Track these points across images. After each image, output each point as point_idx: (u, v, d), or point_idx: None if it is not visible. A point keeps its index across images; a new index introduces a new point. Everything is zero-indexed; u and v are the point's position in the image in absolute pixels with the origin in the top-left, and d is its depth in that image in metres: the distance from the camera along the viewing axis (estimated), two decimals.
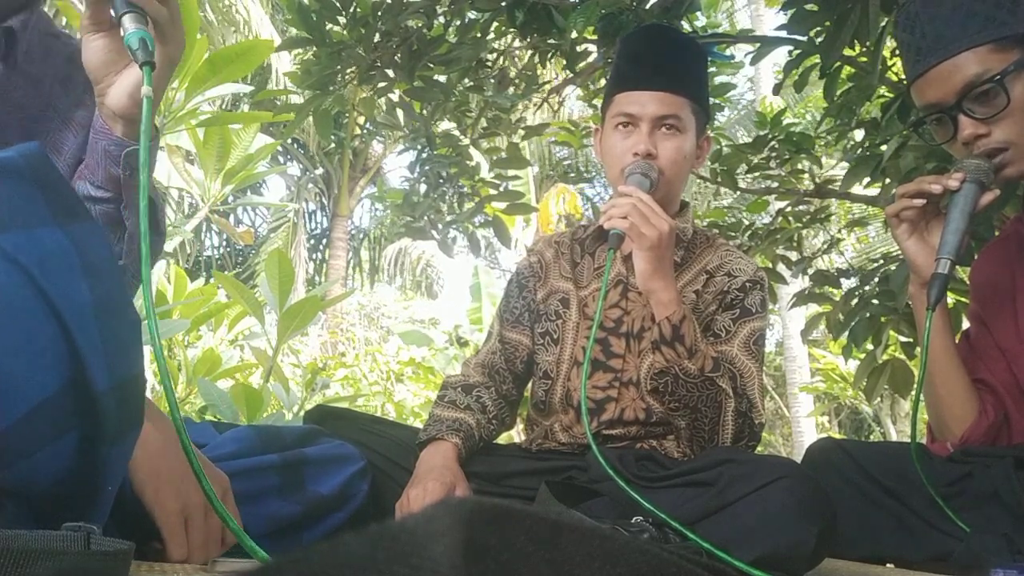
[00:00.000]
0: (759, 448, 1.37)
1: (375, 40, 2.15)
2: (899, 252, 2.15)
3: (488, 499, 0.34)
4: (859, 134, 2.32)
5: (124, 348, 0.67)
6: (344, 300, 12.30)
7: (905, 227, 1.28)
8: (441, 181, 2.65)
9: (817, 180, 2.47)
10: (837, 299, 2.44)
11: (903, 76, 2.16)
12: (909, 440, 1.25)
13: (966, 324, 1.48)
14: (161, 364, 0.68)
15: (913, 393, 1.35)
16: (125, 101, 0.92)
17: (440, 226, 2.71)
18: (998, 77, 1.17)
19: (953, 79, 1.20)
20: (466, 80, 2.48)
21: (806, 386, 8.84)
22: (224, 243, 13.67)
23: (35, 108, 1.03)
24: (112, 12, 0.86)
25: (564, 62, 2.36)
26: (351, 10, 2.09)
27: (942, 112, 1.23)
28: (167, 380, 0.66)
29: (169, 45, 0.90)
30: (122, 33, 0.85)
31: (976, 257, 1.52)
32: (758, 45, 2.12)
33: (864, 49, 1.94)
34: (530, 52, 2.46)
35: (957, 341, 1.37)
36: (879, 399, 7.40)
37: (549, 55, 2.39)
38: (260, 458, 1.13)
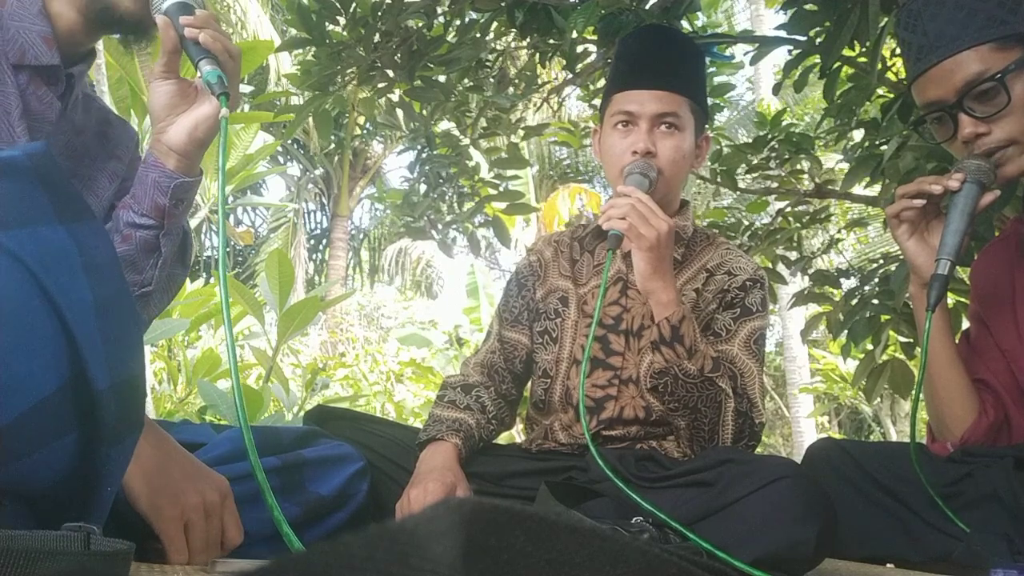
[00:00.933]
0: (759, 448, 1.37)
1: (375, 40, 2.15)
2: (899, 252, 2.15)
3: (488, 500, 0.34)
4: (859, 134, 2.32)
5: (124, 348, 0.67)
6: (344, 300, 12.30)
7: (905, 227, 1.29)
8: (441, 181, 2.65)
9: (817, 180, 2.47)
10: (837, 299, 2.44)
11: (903, 76, 2.16)
12: (909, 440, 1.25)
13: (966, 324, 1.49)
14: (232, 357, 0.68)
15: (913, 393, 1.35)
16: (183, 139, 1.07)
17: (440, 226, 2.71)
18: (999, 76, 1.17)
19: (954, 77, 1.20)
20: (466, 80, 2.48)
21: (806, 386, 8.84)
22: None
23: (78, 152, 1.15)
24: (189, 58, 1.03)
25: (564, 62, 2.36)
26: (351, 10, 2.09)
27: (943, 110, 1.23)
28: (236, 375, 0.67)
29: (232, 91, 1.03)
30: (199, 73, 1.01)
31: (976, 257, 1.52)
32: (757, 45, 2.12)
33: (864, 49, 1.95)
34: (530, 52, 2.45)
35: (957, 341, 1.37)
36: (879, 399, 7.40)
37: (549, 55, 2.39)
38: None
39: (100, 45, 4.19)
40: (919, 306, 1.30)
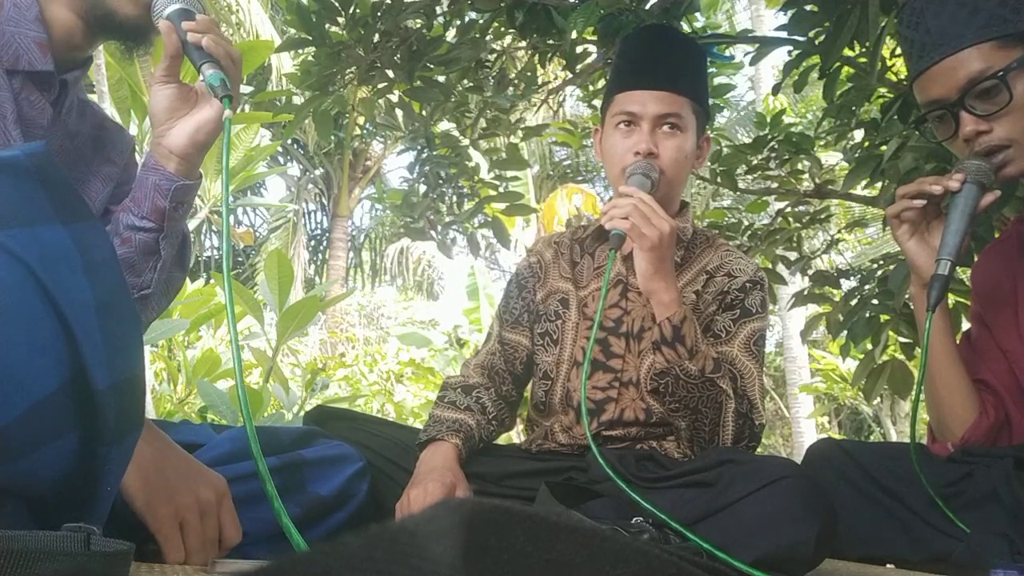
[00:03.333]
0: (759, 449, 1.37)
1: (374, 40, 2.15)
2: (899, 252, 2.15)
3: (488, 500, 0.34)
4: (859, 134, 2.32)
5: (124, 347, 0.67)
6: (344, 300, 12.30)
7: (906, 228, 1.29)
8: (440, 182, 2.65)
9: (817, 180, 2.47)
10: (837, 299, 2.44)
11: (903, 76, 2.16)
12: (908, 440, 1.25)
13: (966, 325, 1.49)
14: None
15: (913, 394, 1.35)
16: (184, 142, 1.07)
17: (439, 227, 2.71)
18: (1001, 74, 1.17)
19: (956, 75, 1.20)
20: (465, 80, 2.48)
21: (806, 387, 8.84)
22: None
23: (70, 157, 1.15)
24: (191, 62, 1.03)
25: (564, 63, 2.36)
26: (351, 11, 2.09)
27: (944, 108, 1.23)
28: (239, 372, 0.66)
29: (232, 95, 1.04)
30: (201, 77, 1.02)
31: (977, 258, 1.52)
32: (758, 46, 2.12)
33: (864, 49, 1.95)
34: (530, 53, 2.45)
35: (958, 342, 1.37)
36: (879, 400, 7.40)
37: (549, 56, 2.39)
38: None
39: (100, 47, 4.20)
40: (920, 306, 1.30)
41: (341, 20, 2.11)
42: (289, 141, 11.83)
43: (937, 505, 1.19)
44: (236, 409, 3.05)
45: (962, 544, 1.15)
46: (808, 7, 1.80)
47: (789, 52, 1.95)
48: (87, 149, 1.19)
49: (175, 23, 1.04)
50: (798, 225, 2.58)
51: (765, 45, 2.06)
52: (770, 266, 2.60)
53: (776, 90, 2.24)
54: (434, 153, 2.61)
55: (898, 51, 2.20)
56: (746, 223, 2.82)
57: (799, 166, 2.45)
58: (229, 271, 0.82)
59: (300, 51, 2.31)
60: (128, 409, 0.68)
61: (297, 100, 2.52)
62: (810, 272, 2.57)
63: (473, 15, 2.33)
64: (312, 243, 14.25)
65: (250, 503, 1.01)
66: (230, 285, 0.80)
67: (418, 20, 2.15)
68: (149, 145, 1.12)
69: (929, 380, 1.31)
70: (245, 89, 4.07)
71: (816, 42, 1.86)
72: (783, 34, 1.93)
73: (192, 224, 4.31)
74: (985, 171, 1.20)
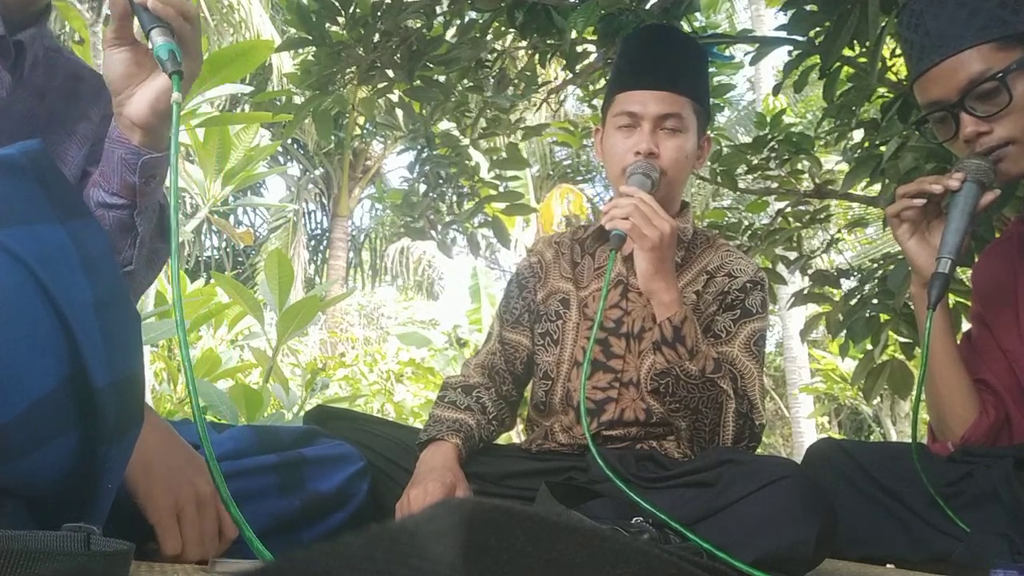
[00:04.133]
0: (759, 449, 1.37)
1: (375, 40, 2.15)
2: (899, 252, 2.15)
3: (488, 500, 0.34)
4: (859, 134, 2.32)
5: (124, 345, 0.67)
6: (344, 300, 12.30)
7: (906, 227, 1.29)
8: (440, 181, 2.65)
9: (817, 180, 2.47)
10: (836, 299, 2.44)
11: (903, 76, 2.16)
12: (909, 440, 1.25)
13: (966, 326, 1.49)
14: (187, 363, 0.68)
15: (913, 393, 1.35)
16: (145, 111, 0.96)
17: (439, 226, 2.71)
18: (1000, 75, 1.17)
19: (956, 77, 1.20)
20: (466, 80, 2.48)
21: (806, 387, 8.84)
22: (224, 244, 13.67)
23: (40, 119, 1.06)
24: (140, 26, 0.92)
25: (564, 62, 2.36)
26: (350, 10, 2.09)
27: (944, 110, 1.23)
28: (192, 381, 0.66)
29: (190, 60, 0.93)
30: (150, 45, 0.90)
31: (977, 259, 1.52)
32: (758, 45, 2.12)
33: (864, 49, 1.95)
34: (530, 52, 2.45)
35: (958, 341, 1.37)
36: (879, 399, 7.40)
37: (549, 55, 2.39)
38: (259, 458, 1.13)
39: (98, 44, 4.18)
40: (920, 305, 1.30)
41: (341, 20, 2.11)
42: (289, 141, 11.83)
43: (937, 505, 1.19)
44: (236, 409, 3.05)
45: (962, 544, 1.15)
46: (808, 7, 1.80)
47: (789, 52, 1.95)
48: (60, 106, 1.08)
49: None
50: (798, 225, 2.58)
51: (765, 45, 2.06)
52: (770, 266, 2.60)
53: (776, 90, 2.24)
54: (434, 153, 2.61)
55: (898, 51, 2.20)
56: (746, 223, 2.82)
57: (799, 166, 2.45)
58: (178, 266, 0.75)
59: (300, 51, 2.31)
60: (128, 407, 0.68)
61: (297, 100, 2.52)
62: (810, 272, 2.57)
63: (473, 15, 2.33)
64: (312, 243, 14.25)
65: (249, 499, 1.01)
66: (178, 285, 0.76)
67: (418, 20, 2.15)
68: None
69: (930, 379, 1.32)
70: (245, 89, 4.05)
71: (816, 42, 1.86)
72: (783, 34, 1.93)
73: (192, 224, 4.31)
74: (985, 170, 1.20)
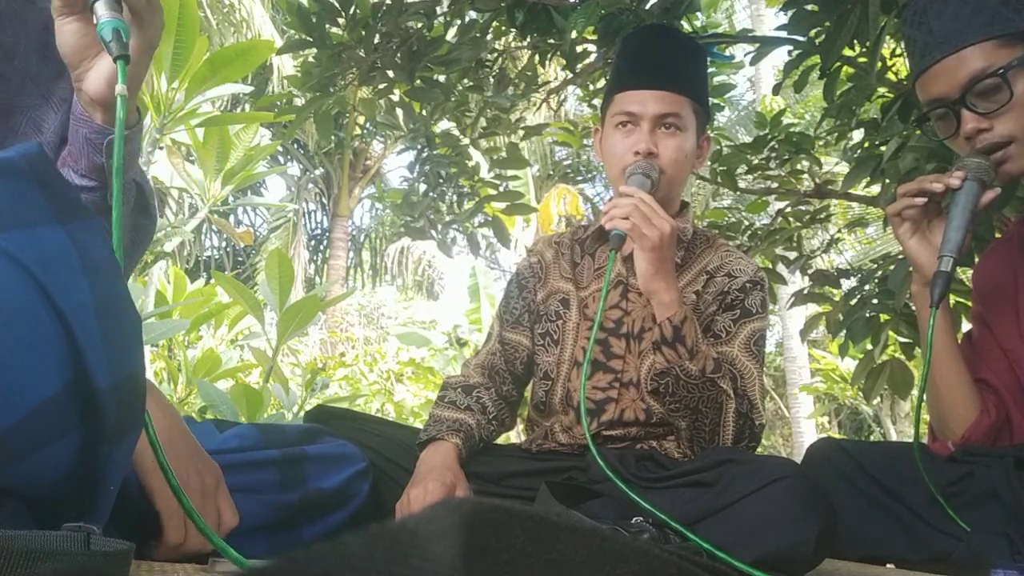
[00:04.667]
0: (759, 449, 1.37)
1: (375, 41, 2.15)
2: (899, 252, 2.15)
3: (488, 500, 0.34)
4: (859, 134, 2.32)
5: (125, 347, 0.67)
6: (344, 300, 12.30)
7: (907, 226, 1.29)
8: (441, 181, 2.65)
9: (817, 180, 2.47)
10: (836, 299, 2.44)
11: (903, 76, 2.16)
12: (908, 440, 1.25)
13: (966, 326, 1.49)
14: None
15: (915, 392, 1.35)
16: (104, 88, 0.87)
17: (440, 226, 2.71)
18: (1002, 71, 1.18)
19: (958, 73, 1.21)
20: (466, 80, 2.48)
21: (806, 386, 8.84)
22: (224, 243, 13.68)
23: (13, 83, 0.97)
24: None
25: (564, 62, 2.36)
26: (351, 12, 2.09)
27: (945, 106, 1.24)
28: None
29: (147, 30, 0.85)
30: (95, 21, 0.81)
31: (978, 259, 1.53)
32: (758, 45, 2.12)
33: (864, 49, 1.95)
34: (530, 52, 2.45)
35: (959, 341, 1.38)
36: (879, 399, 7.40)
37: (549, 55, 2.39)
38: (261, 452, 1.13)
39: None
40: (921, 305, 1.30)
41: (341, 21, 2.11)
42: (289, 140, 11.83)
43: (937, 504, 1.19)
44: (237, 409, 3.05)
45: (962, 544, 1.15)
46: (808, 7, 1.80)
47: (789, 52, 1.95)
48: (33, 65, 0.98)
49: None
50: (798, 225, 2.58)
51: (765, 45, 2.06)
52: (770, 266, 2.60)
53: (776, 90, 2.24)
54: (434, 152, 2.61)
55: (898, 51, 2.20)
56: (746, 223, 2.83)
57: (799, 166, 2.45)
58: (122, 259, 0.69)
59: (301, 52, 2.31)
60: (129, 408, 0.68)
61: (298, 102, 2.52)
62: (810, 272, 2.57)
63: (473, 15, 2.33)
64: (312, 243, 14.25)
65: (248, 492, 1.01)
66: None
67: (418, 21, 2.15)
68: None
69: (931, 378, 1.32)
70: (245, 89, 4.05)
71: (816, 42, 1.86)
72: (783, 34, 1.93)
73: (192, 224, 4.31)
74: (986, 168, 1.20)
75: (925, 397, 1.35)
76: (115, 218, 0.73)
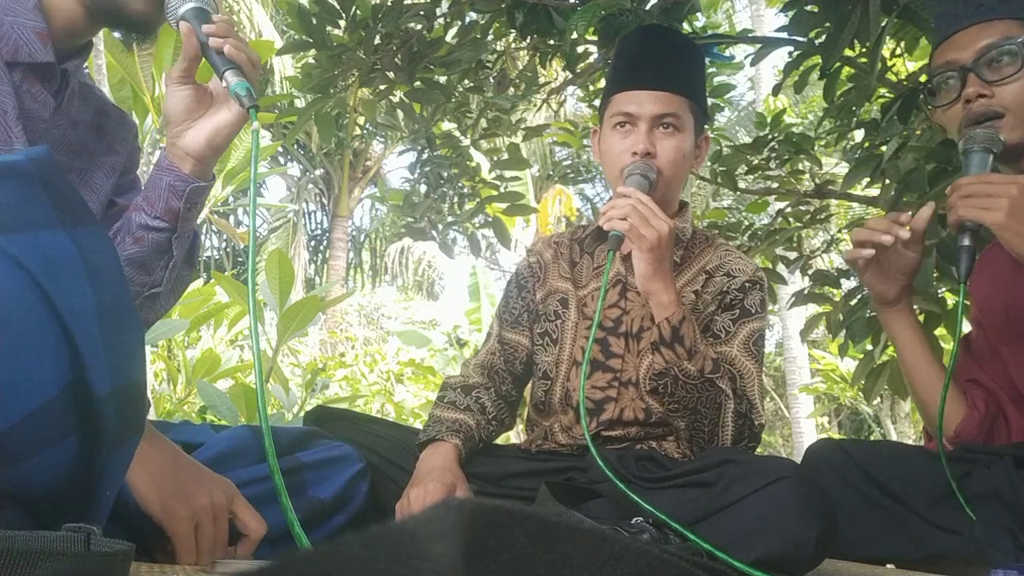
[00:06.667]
0: (759, 449, 1.37)
1: (375, 43, 2.15)
2: None
3: (488, 500, 0.34)
4: (859, 134, 2.32)
5: (126, 353, 0.67)
6: (344, 300, 12.30)
7: (862, 263, 1.32)
8: (441, 182, 2.65)
9: (817, 180, 2.47)
10: (836, 299, 2.44)
11: (903, 76, 2.16)
12: (908, 440, 1.25)
13: (966, 328, 1.49)
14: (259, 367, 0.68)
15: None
16: (201, 144, 1.06)
17: (440, 227, 2.71)
18: (1021, 41, 1.22)
19: (977, 41, 1.25)
20: (466, 81, 2.48)
21: (806, 387, 8.84)
22: (224, 244, 13.67)
23: (74, 147, 1.13)
24: (213, 68, 1.02)
25: (564, 63, 2.36)
26: (351, 13, 2.09)
27: (955, 70, 1.27)
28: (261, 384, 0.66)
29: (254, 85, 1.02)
30: (224, 84, 1.00)
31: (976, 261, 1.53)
32: (758, 46, 2.12)
33: (864, 49, 1.95)
34: (530, 53, 2.46)
35: (959, 344, 1.38)
36: (879, 400, 7.40)
37: (549, 56, 2.39)
38: (258, 467, 1.14)
39: (101, 44, 4.19)
40: (889, 319, 1.36)
41: (342, 23, 2.11)
42: (290, 142, 11.81)
43: (937, 504, 1.19)
44: (236, 409, 3.05)
45: (964, 536, 1.15)
46: (808, 7, 1.80)
47: (789, 52, 1.95)
48: (90, 138, 1.16)
49: (194, 25, 1.02)
50: (798, 225, 2.58)
51: (765, 45, 2.07)
52: (770, 266, 2.60)
53: (776, 90, 2.24)
54: (435, 153, 2.62)
55: (898, 51, 2.20)
56: (746, 223, 2.83)
57: (799, 166, 2.45)
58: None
59: (302, 53, 2.31)
60: (128, 414, 0.68)
61: (298, 103, 2.53)
62: (810, 272, 2.57)
63: (473, 16, 2.33)
64: (312, 243, 14.25)
65: (255, 505, 1.02)
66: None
67: (418, 22, 2.15)
68: (149, 142, 1.11)
69: (911, 383, 1.37)
70: None
71: (816, 42, 1.86)
72: (783, 34, 1.93)
73: None
74: (993, 138, 1.23)
75: (916, 401, 1.37)
76: (250, 251, 0.84)
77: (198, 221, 1.19)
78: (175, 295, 1.18)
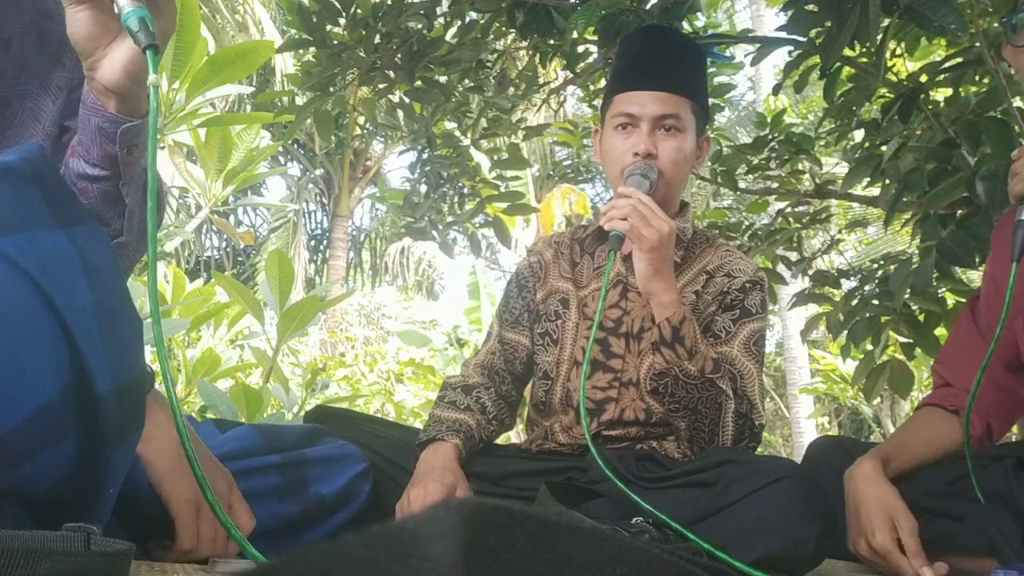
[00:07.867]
0: (759, 449, 1.37)
1: (375, 41, 2.15)
2: (899, 252, 2.15)
3: (488, 500, 0.34)
4: (859, 134, 2.32)
5: (125, 350, 0.67)
6: (344, 300, 12.30)
7: None
8: (442, 182, 2.65)
9: (817, 180, 2.47)
10: (837, 300, 2.44)
11: (903, 76, 2.16)
12: None
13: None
14: (163, 365, 0.68)
15: (977, 375, 1.26)
16: (119, 76, 0.84)
17: (441, 227, 2.71)
18: None
19: None
20: (466, 81, 2.48)
21: (806, 387, 8.83)
22: (224, 244, 13.68)
23: (9, 71, 0.94)
24: None
25: (564, 63, 2.36)
26: (351, 12, 2.09)
27: None
28: (168, 382, 0.66)
29: (162, 18, 0.82)
30: (116, 10, 0.79)
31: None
32: (758, 46, 2.12)
33: (864, 50, 1.95)
34: (530, 53, 2.46)
35: (957, 344, 1.38)
36: (879, 400, 7.39)
37: (549, 56, 2.39)
38: (262, 458, 1.13)
39: None
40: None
41: (342, 21, 2.11)
42: (290, 141, 11.83)
43: (935, 494, 1.20)
44: (236, 409, 3.05)
45: (966, 522, 1.15)
46: (808, 7, 1.80)
47: (789, 52, 1.95)
48: (29, 54, 0.95)
49: None
50: (798, 225, 2.58)
51: (766, 45, 2.06)
52: (770, 266, 2.60)
53: (776, 90, 2.24)
54: (435, 153, 2.61)
55: (899, 51, 2.20)
56: (746, 223, 2.83)
57: (799, 166, 2.45)
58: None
59: (302, 52, 2.31)
60: (130, 412, 0.68)
61: (299, 101, 2.53)
62: (810, 272, 2.57)
63: (474, 15, 2.33)
64: (312, 243, 14.25)
65: (252, 498, 1.01)
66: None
67: (419, 21, 2.15)
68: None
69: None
70: (246, 89, 4.05)
71: (816, 42, 1.86)
72: (783, 34, 1.93)
73: (193, 224, 4.31)
74: None
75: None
76: (150, 208, 0.70)
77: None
78: (144, 240, 0.97)
